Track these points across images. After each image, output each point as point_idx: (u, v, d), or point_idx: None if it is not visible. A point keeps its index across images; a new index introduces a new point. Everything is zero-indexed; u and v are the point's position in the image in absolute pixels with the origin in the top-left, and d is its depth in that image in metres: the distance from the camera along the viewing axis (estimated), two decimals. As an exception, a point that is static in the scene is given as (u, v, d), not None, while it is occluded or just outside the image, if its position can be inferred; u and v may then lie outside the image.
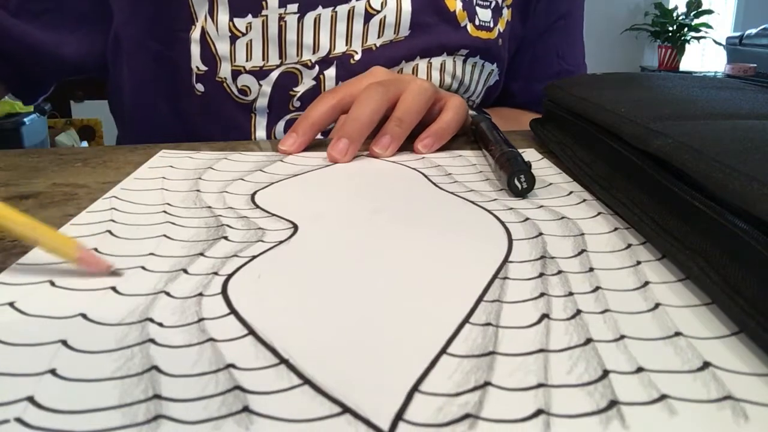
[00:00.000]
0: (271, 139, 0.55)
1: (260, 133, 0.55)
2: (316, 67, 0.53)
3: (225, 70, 0.52)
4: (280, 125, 0.55)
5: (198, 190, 0.35)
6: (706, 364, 0.18)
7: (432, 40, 0.55)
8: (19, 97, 0.59)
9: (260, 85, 0.53)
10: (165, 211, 0.31)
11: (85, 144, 2.05)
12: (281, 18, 0.51)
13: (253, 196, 0.34)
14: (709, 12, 3.53)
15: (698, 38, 3.55)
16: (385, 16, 0.53)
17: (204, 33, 0.52)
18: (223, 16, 0.51)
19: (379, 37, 0.54)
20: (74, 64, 0.57)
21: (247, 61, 0.52)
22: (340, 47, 0.53)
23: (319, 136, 0.46)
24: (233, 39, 0.51)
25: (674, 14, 3.55)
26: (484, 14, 0.57)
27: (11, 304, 0.21)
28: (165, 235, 0.28)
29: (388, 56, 0.53)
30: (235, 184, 0.36)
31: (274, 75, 0.53)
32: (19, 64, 0.54)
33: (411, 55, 0.54)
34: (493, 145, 0.39)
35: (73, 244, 0.24)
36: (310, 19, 0.52)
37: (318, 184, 0.36)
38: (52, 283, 0.23)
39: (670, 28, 3.52)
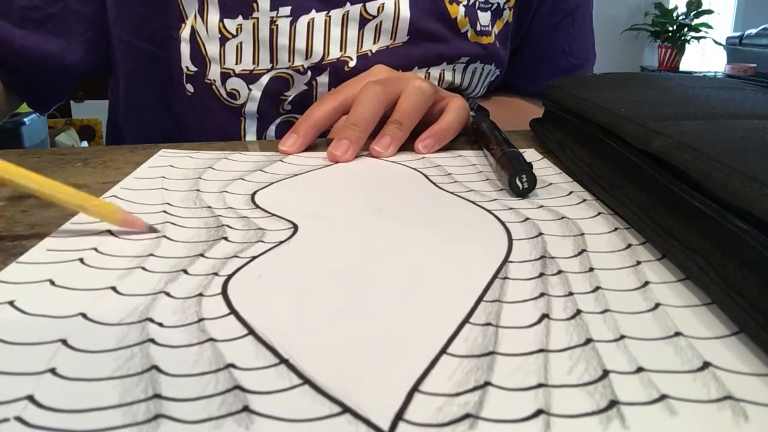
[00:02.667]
0: (263, 140, 0.54)
1: (250, 137, 0.54)
2: (309, 73, 0.52)
3: (214, 72, 0.51)
4: (271, 129, 0.54)
5: (198, 190, 0.35)
6: (706, 364, 0.18)
7: (431, 48, 0.53)
8: (34, 108, 0.58)
9: (250, 90, 0.52)
10: (165, 211, 0.31)
11: (85, 144, 2.05)
12: (273, 21, 0.50)
13: (253, 196, 0.34)
14: (709, 12, 3.54)
15: (698, 38, 3.56)
16: (381, 22, 0.52)
17: (194, 32, 0.51)
18: (213, 16, 0.50)
19: (374, 42, 0.52)
20: (81, 70, 0.56)
21: (236, 63, 0.51)
22: (334, 53, 0.51)
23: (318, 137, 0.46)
24: (223, 40, 0.50)
25: (674, 14, 3.55)
26: (485, 18, 0.56)
27: (11, 303, 0.21)
28: (165, 236, 0.28)
29: (385, 63, 0.51)
30: (235, 183, 0.36)
31: (264, 80, 0.51)
32: (28, 74, 0.53)
33: (408, 64, 0.53)
34: (494, 145, 0.39)
35: (114, 207, 0.28)
36: (303, 24, 0.50)
37: (318, 184, 0.36)
38: (52, 283, 0.23)
39: (670, 28, 3.52)
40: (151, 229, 0.28)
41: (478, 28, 0.55)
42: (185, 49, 0.51)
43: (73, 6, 0.53)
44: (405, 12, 0.52)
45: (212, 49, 0.51)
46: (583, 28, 0.67)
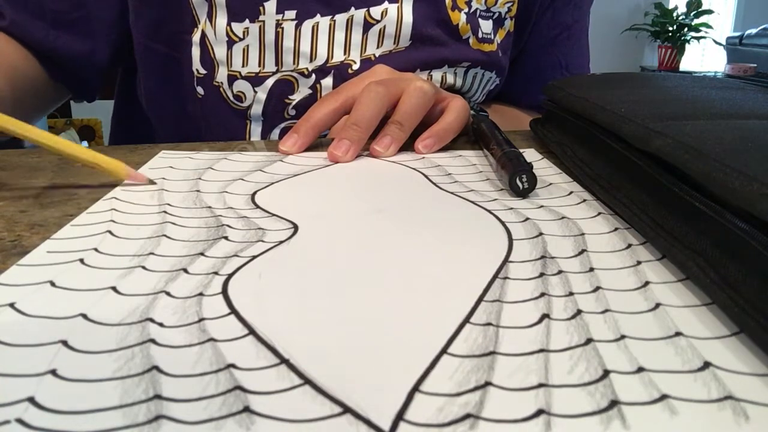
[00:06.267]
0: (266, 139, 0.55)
1: (255, 140, 0.55)
2: (313, 76, 0.52)
3: (222, 75, 0.52)
4: (275, 133, 0.55)
5: (198, 191, 0.35)
6: (707, 364, 0.18)
7: (433, 53, 0.54)
8: (80, 98, 0.61)
9: (255, 92, 0.52)
10: (165, 212, 0.31)
11: (85, 144, 2.05)
12: (278, 24, 0.51)
13: (253, 196, 0.34)
14: (709, 12, 3.54)
15: (698, 38, 3.56)
16: (384, 26, 0.52)
17: (204, 36, 0.52)
18: (221, 19, 0.51)
19: (378, 47, 0.53)
20: (111, 67, 0.58)
21: (243, 66, 0.52)
22: (338, 56, 0.52)
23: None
24: (230, 44, 0.51)
25: (674, 14, 3.55)
26: (486, 26, 0.56)
27: (12, 305, 0.21)
28: (165, 235, 0.28)
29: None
30: (235, 184, 0.36)
31: (270, 82, 0.52)
32: (67, 70, 0.56)
33: (411, 67, 0.53)
34: (494, 145, 0.39)
35: (123, 165, 0.35)
36: (308, 27, 0.51)
37: (318, 184, 0.36)
38: (53, 284, 0.23)
39: (670, 28, 3.52)
40: (151, 182, 0.35)
41: (480, 35, 0.56)
42: (196, 52, 0.52)
43: (95, 12, 0.55)
44: (407, 17, 0.53)
45: (220, 52, 0.52)
46: (580, 42, 0.68)
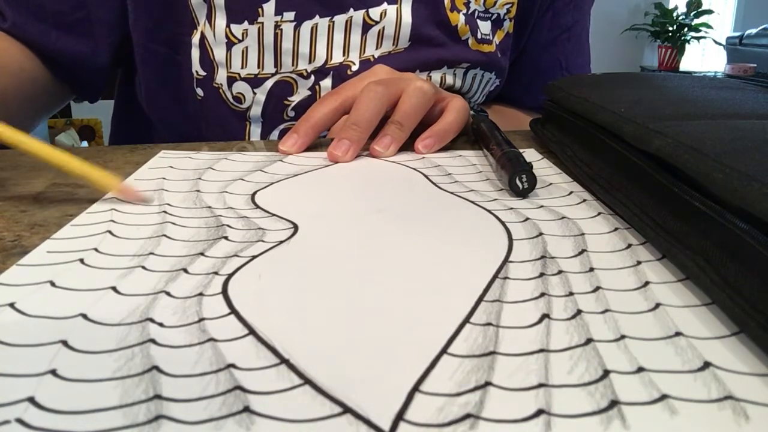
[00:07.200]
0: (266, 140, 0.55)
1: (255, 140, 0.55)
2: (312, 77, 0.53)
3: (221, 77, 0.52)
4: (275, 134, 0.55)
5: (198, 191, 0.35)
6: (707, 364, 0.18)
7: (432, 54, 0.54)
8: (83, 98, 0.61)
9: (254, 93, 0.53)
10: (165, 212, 0.31)
11: (85, 144, 2.05)
12: (277, 26, 0.51)
13: (253, 196, 0.34)
14: (709, 12, 3.54)
15: (698, 38, 3.56)
16: (384, 27, 0.53)
17: (203, 37, 0.52)
18: (220, 21, 0.51)
19: (377, 48, 0.53)
20: (112, 68, 0.58)
21: (242, 68, 0.52)
22: (337, 58, 0.52)
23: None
24: (229, 45, 0.51)
25: (674, 14, 3.55)
26: (485, 27, 0.57)
27: (12, 305, 0.21)
28: (165, 235, 0.28)
29: None
30: (235, 184, 0.36)
31: (269, 83, 0.52)
32: (69, 70, 0.56)
33: (410, 68, 0.53)
34: (494, 145, 0.39)
35: (114, 178, 0.33)
36: (307, 28, 0.51)
37: (318, 184, 0.36)
38: (53, 284, 0.23)
39: (670, 28, 3.53)
40: (145, 199, 0.32)
41: (479, 36, 0.56)
42: (195, 53, 0.53)
43: (95, 12, 0.54)
44: (406, 18, 0.53)
45: (219, 53, 0.52)
46: (580, 43, 0.68)
